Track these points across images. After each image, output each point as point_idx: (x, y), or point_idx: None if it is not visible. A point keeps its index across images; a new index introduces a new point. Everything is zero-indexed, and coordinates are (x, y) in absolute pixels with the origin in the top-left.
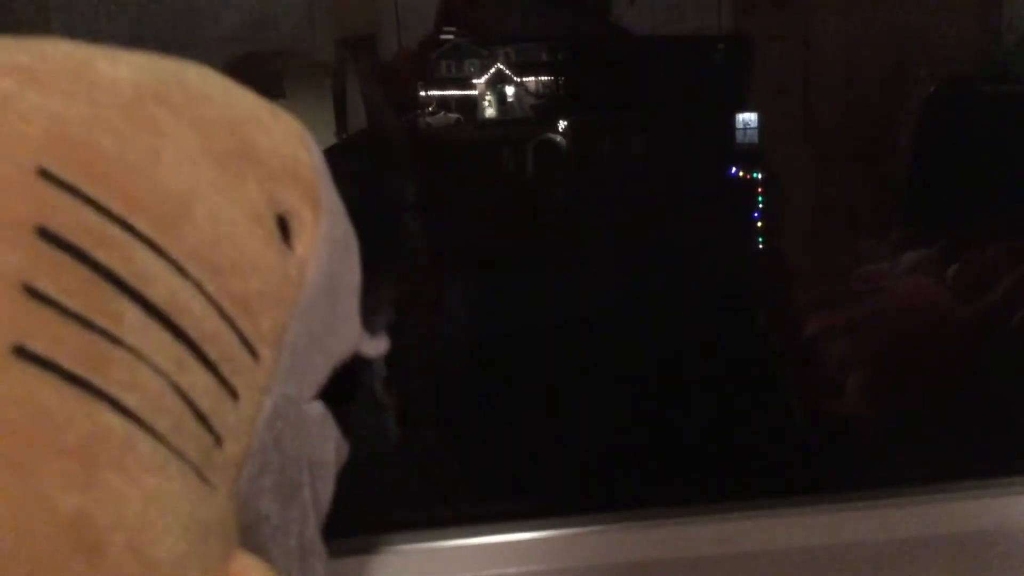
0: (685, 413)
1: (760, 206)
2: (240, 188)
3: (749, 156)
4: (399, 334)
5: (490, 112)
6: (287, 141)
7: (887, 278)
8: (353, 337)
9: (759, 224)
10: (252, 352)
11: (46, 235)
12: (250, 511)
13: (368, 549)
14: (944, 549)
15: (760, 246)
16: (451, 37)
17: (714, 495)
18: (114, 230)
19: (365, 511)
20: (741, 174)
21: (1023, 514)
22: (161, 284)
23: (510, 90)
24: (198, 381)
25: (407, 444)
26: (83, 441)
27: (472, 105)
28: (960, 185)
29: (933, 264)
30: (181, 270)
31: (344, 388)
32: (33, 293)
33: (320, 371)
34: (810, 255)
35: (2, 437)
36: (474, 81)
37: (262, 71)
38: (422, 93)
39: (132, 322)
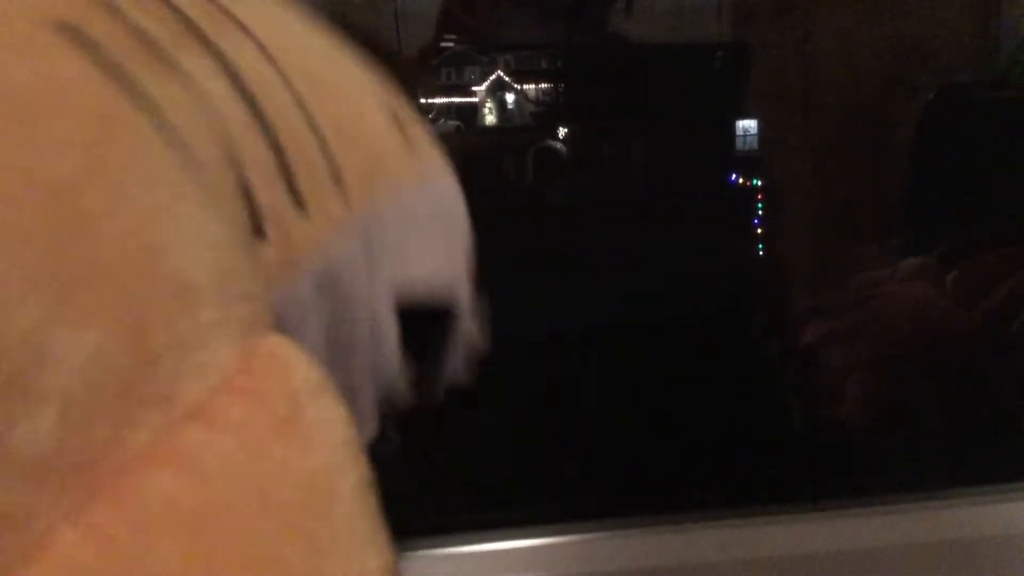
0: (685, 420)
1: (760, 212)
2: (353, 64)
3: (749, 163)
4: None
5: (490, 119)
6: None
7: (887, 284)
8: (452, 276)
9: (759, 230)
10: (337, 180)
11: None
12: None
13: None
14: (944, 554)
15: (760, 252)
16: (451, 45)
17: (714, 502)
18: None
19: None
20: (741, 181)
21: (1021, 519)
22: (246, 57)
23: (510, 97)
24: (260, 157)
25: (407, 451)
26: (98, 113)
27: (472, 112)
28: (959, 192)
29: (932, 270)
30: (272, 62)
31: (432, 339)
32: None
33: (404, 277)
34: (810, 261)
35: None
36: (474, 88)
37: None
38: (422, 100)
39: (199, 63)
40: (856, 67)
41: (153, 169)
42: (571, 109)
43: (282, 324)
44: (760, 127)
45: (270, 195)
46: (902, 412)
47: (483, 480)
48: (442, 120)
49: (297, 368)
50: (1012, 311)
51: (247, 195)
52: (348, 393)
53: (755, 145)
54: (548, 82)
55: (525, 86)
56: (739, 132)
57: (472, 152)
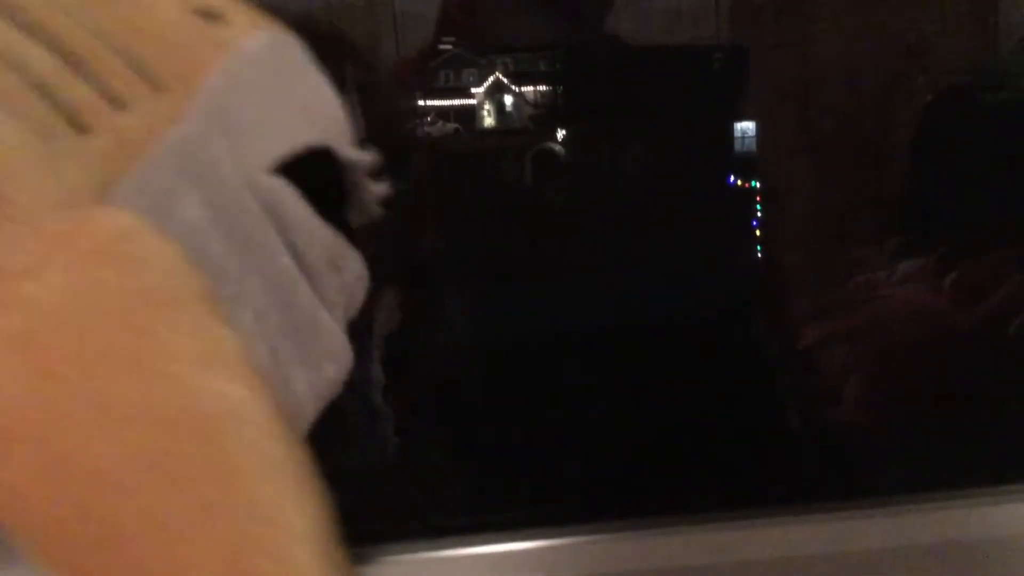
0: (683, 422)
1: (758, 214)
2: None
3: (747, 165)
4: (398, 343)
5: (489, 121)
6: None
7: (885, 286)
8: (322, 126)
9: (757, 232)
10: (146, 76)
11: None
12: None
13: (364, 559)
14: (942, 556)
15: (758, 254)
16: (450, 47)
17: (712, 504)
18: None
19: (362, 521)
20: (739, 183)
21: (1019, 521)
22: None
23: (509, 100)
24: (50, 66)
25: (405, 454)
26: None
27: (471, 114)
28: (957, 194)
29: (930, 272)
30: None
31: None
32: None
33: (275, 144)
34: (808, 264)
35: None
36: (473, 91)
37: None
38: (421, 102)
39: None
40: (854, 69)
41: None
42: (570, 111)
43: (154, 209)
44: (759, 129)
45: (77, 94)
46: (901, 414)
47: (480, 482)
48: (440, 122)
49: (124, 220)
50: (1011, 313)
51: (48, 95)
52: (281, 286)
53: (753, 147)
54: (547, 84)
55: (523, 88)
56: (737, 134)
57: (470, 154)
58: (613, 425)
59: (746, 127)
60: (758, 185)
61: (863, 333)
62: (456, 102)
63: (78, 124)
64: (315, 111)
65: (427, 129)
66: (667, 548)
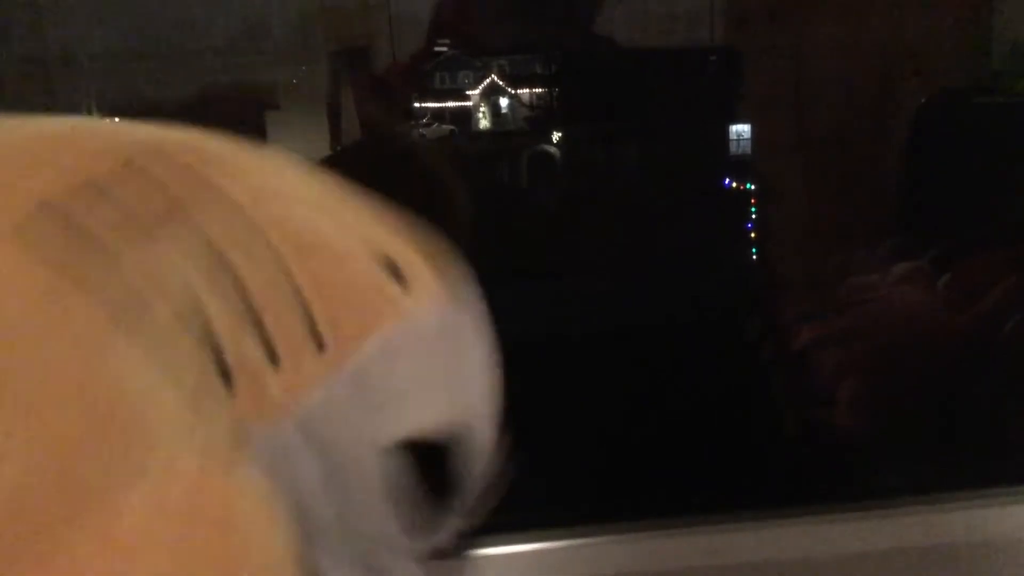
0: (677, 424)
1: (752, 217)
2: (346, 211)
3: (742, 167)
4: None
5: (484, 123)
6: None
7: (879, 288)
8: (456, 413)
9: (751, 234)
10: (312, 331)
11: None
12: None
13: None
14: (937, 558)
15: (752, 256)
16: (445, 49)
17: (705, 506)
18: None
19: None
20: (734, 185)
21: (1015, 523)
22: (224, 225)
23: (504, 102)
24: (230, 316)
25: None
26: (43, 295)
27: (466, 117)
28: (951, 196)
29: (924, 274)
30: (252, 224)
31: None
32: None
33: (409, 419)
34: (802, 266)
35: None
36: (468, 93)
37: (257, 83)
38: (416, 105)
39: (176, 233)
40: (848, 72)
41: (93, 338)
42: (565, 114)
43: (273, 466)
44: (753, 131)
45: (240, 349)
46: (896, 415)
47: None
48: (436, 124)
49: (237, 485)
50: (1004, 315)
51: (214, 349)
52: (374, 545)
53: (748, 149)
54: (542, 87)
55: (519, 90)
56: (732, 136)
57: (467, 156)
58: (611, 426)
59: (741, 129)
60: (753, 187)
61: (857, 335)
62: (452, 104)
63: (231, 382)
64: (458, 400)
65: (423, 131)
66: (666, 549)
